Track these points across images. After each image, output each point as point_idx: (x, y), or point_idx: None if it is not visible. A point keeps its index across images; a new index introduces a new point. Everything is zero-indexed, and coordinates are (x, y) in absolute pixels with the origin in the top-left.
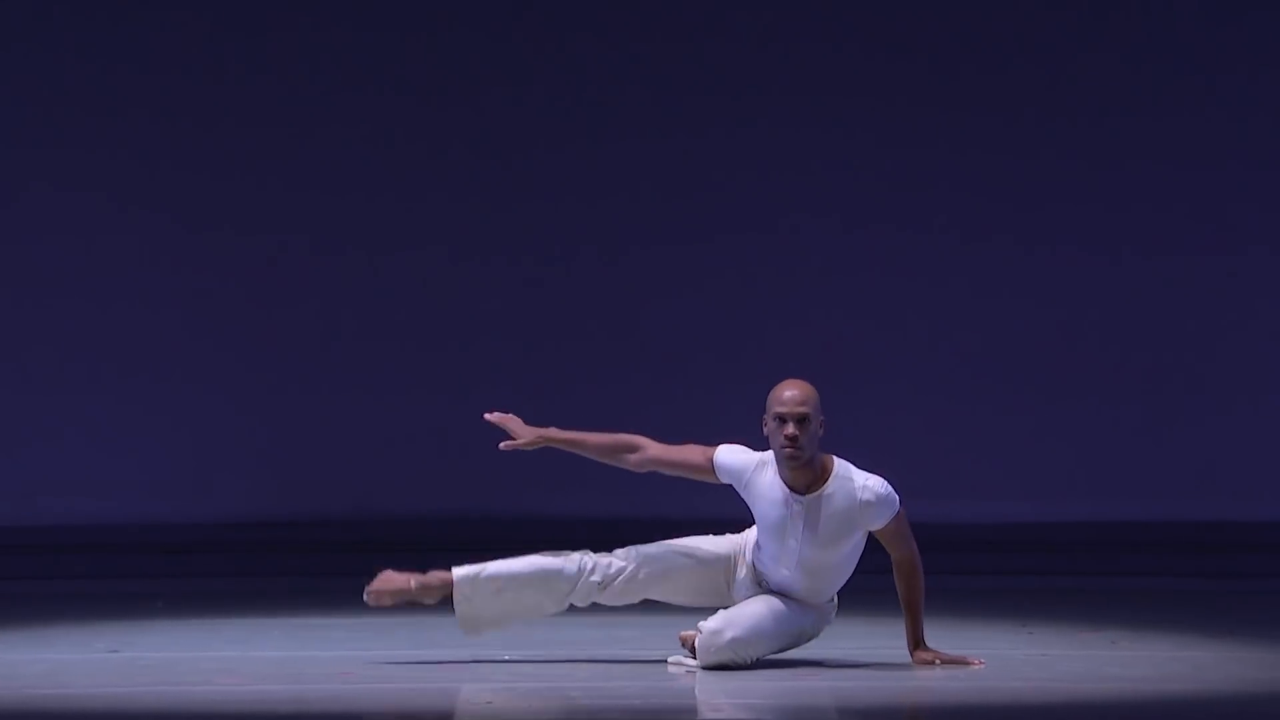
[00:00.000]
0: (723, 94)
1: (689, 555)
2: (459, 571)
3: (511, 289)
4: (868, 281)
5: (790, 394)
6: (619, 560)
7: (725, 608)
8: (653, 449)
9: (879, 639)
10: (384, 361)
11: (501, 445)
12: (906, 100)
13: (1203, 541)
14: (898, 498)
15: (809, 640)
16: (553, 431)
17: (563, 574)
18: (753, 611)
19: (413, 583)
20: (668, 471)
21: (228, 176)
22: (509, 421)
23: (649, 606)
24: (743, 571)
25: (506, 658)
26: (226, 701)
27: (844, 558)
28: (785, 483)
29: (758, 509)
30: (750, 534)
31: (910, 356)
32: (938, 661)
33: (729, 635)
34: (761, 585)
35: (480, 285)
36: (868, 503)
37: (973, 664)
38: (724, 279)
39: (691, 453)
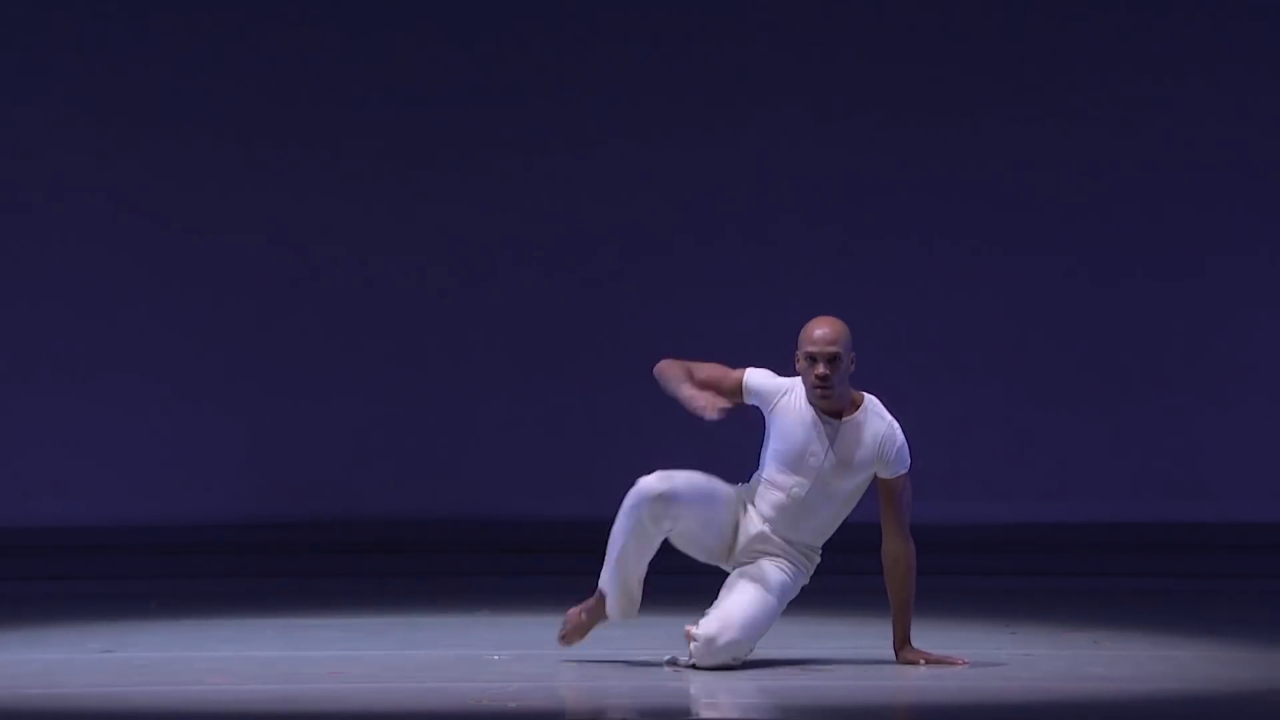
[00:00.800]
0: (719, 102)
1: (718, 488)
2: (602, 581)
3: (503, 291)
4: (861, 288)
5: (820, 333)
6: (677, 484)
7: (722, 562)
8: (699, 372)
9: (866, 639)
10: (375, 364)
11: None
12: (898, 111)
13: (1183, 543)
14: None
15: None
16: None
17: (648, 539)
18: (742, 607)
19: (583, 614)
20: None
21: (217, 184)
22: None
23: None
24: (746, 520)
25: (496, 657)
26: (219, 701)
27: (853, 491)
28: (815, 408)
29: (783, 428)
30: (746, 487)
31: (900, 362)
32: (923, 661)
33: (726, 639)
34: (758, 519)
35: (472, 287)
36: (890, 439)
37: (958, 664)
38: (712, 285)
39: (723, 372)
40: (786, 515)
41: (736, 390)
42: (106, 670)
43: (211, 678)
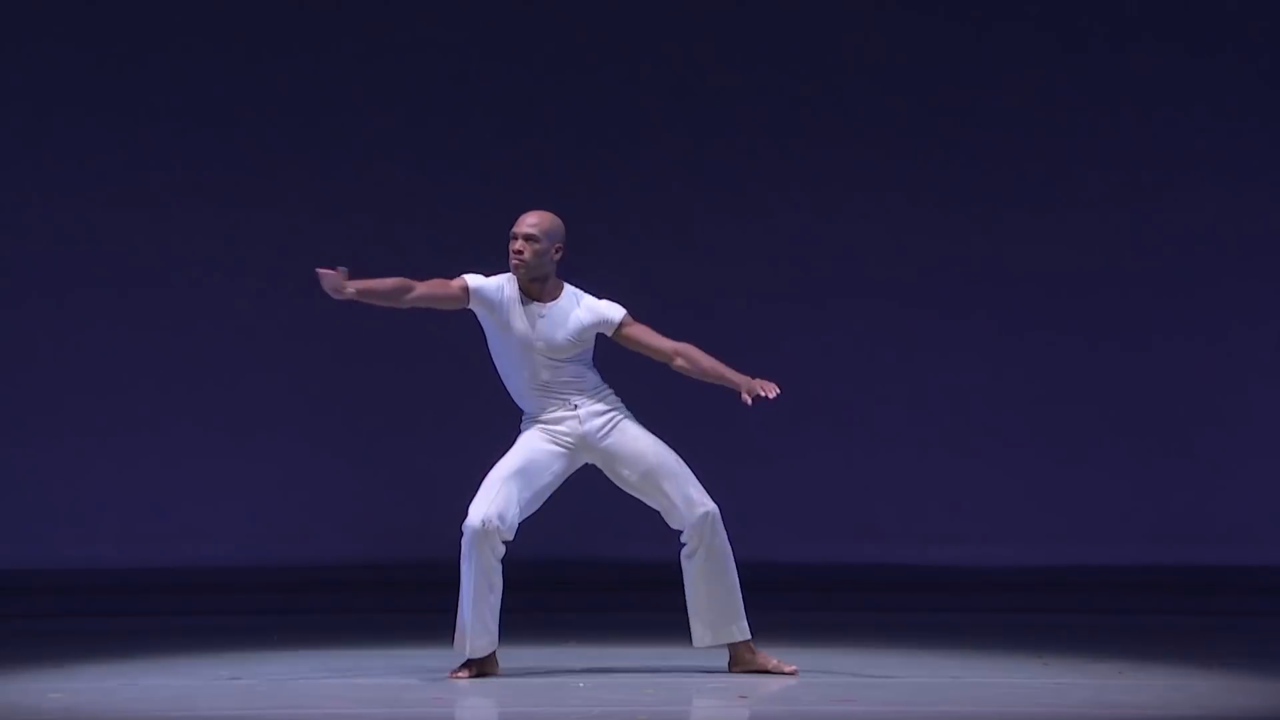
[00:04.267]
0: (739, 188)
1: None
2: (457, 646)
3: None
4: (908, 356)
5: (524, 217)
6: (500, 513)
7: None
8: (419, 287)
9: (895, 666)
10: (477, 417)
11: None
12: (913, 196)
13: (1199, 583)
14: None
15: None
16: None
17: (494, 568)
18: (666, 464)
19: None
20: (428, 305)
21: (327, 241)
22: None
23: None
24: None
25: (581, 685)
26: None
27: (583, 352)
28: (524, 294)
29: (502, 322)
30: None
31: (949, 425)
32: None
33: (708, 505)
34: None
35: None
36: (595, 306)
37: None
38: (763, 347)
39: (445, 284)
40: (553, 396)
41: (463, 297)
42: (234, 695)
43: (325, 703)
